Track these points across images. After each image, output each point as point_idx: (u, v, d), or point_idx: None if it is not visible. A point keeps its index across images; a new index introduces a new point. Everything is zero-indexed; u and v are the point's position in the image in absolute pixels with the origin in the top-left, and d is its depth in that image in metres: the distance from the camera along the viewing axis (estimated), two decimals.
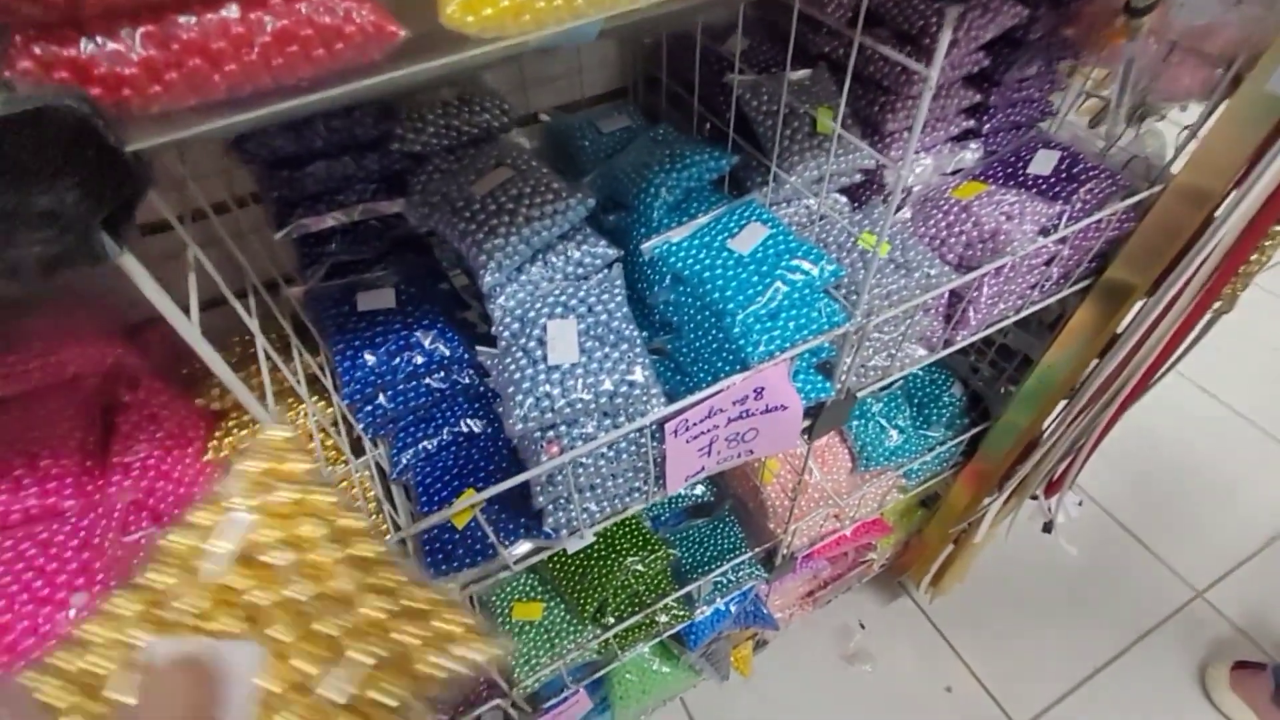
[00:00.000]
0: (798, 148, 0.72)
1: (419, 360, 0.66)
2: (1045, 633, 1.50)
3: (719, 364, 0.66)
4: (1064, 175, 0.77)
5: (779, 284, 0.61)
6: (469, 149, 0.70)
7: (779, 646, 1.50)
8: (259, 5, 0.25)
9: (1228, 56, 0.69)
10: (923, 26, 0.68)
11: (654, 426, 0.59)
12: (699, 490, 1.17)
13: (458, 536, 0.66)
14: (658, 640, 1.15)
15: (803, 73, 0.76)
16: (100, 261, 0.26)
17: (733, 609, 1.16)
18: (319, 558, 0.29)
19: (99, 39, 0.24)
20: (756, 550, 1.11)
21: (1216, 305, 0.81)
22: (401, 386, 0.68)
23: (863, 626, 1.54)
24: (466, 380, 0.70)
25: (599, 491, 0.65)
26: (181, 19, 0.24)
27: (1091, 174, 0.76)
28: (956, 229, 0.75)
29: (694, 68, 0.76)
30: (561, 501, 0.63)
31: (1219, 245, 0.72)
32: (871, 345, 0.75)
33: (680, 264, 0.67)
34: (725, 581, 1.11)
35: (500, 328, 0.61)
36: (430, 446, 0.69)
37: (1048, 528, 1.19)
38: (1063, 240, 0.75)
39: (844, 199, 0.78)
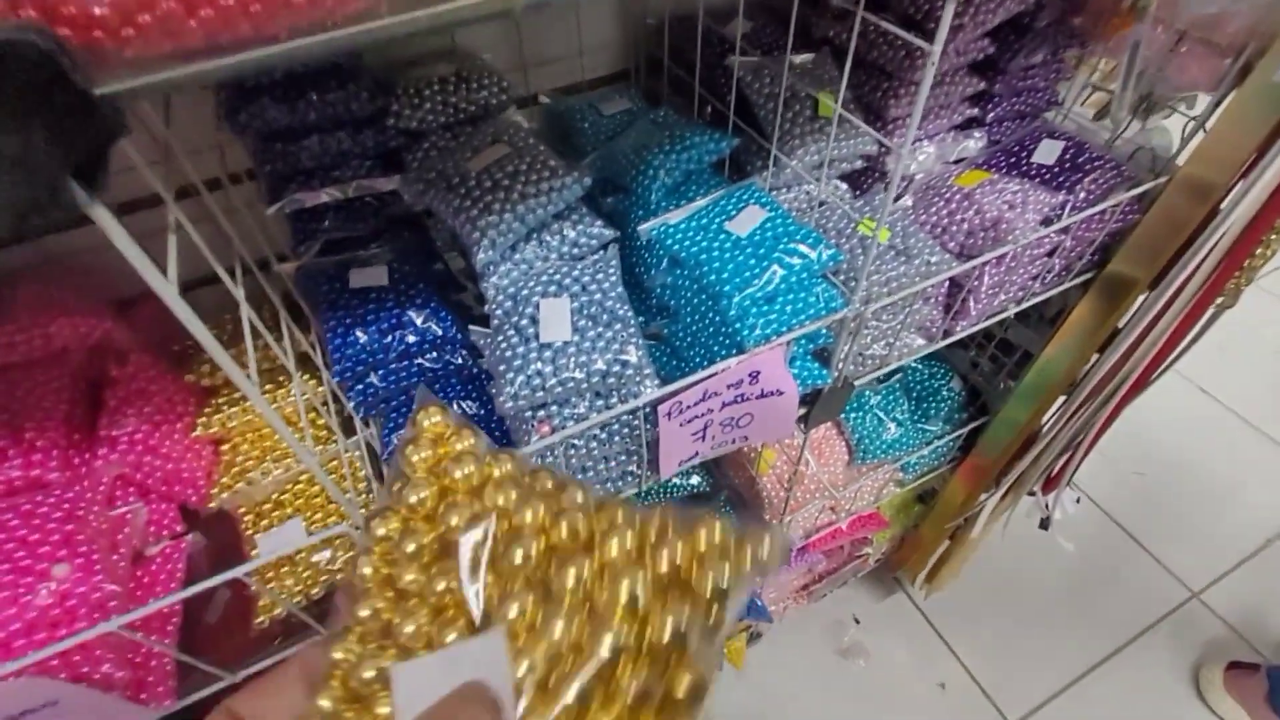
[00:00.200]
0: (799, 131, 0.71)
1: (411, 339, 0.65)
2: (1040, 630, 1.50)
3: (715, 348, 0.65)
4: (1068, 165, 0.76)
5: (776, 267, 0.61)
6: (466, 127, 0.70)
7: (772, 639, 1.50)
8: None
9: (1237, 46, 0.68)
10: (928, 10, 0.67)
11: (647, 408, 0.58)
12: (695, 480, 1.16)
13: None
14: None
15: (806, 56, 0.75)
16: (71, 211, 0.25)
17: None
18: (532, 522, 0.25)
19: None
20: None
21: (1219, 300, 0.80)
22: (393, 366, 0.67)
23: (857, 621, 1.54)
24: (459, 361, 0.69)
25: (591, 474, 0.64)
26: None
27: (1096, 165, 0.75)
28: (958, 217, 0.74)
29: (696, 50, 0.75)
30: None
31: (1223, 239, 0.71)
32: (870, 333, 0.74)
33: (677, 246, 0.66)
34: None
35: (493, 306, 0.60)
36: None
37: (1044, 524, 1.18)
38: (1065, 231, 0.74)
39: (845, 186, 0.78)
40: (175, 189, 0.46)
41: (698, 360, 0.68)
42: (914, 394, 1.15)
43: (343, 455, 0.69)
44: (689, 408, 0.60)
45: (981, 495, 1.18)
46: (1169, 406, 1.83)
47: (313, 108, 0.61)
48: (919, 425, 1.12)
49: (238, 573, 0.48)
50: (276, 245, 0.73)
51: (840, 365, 0.71)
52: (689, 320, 0.68)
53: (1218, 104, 0.70)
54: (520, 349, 0.55)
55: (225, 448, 0.72)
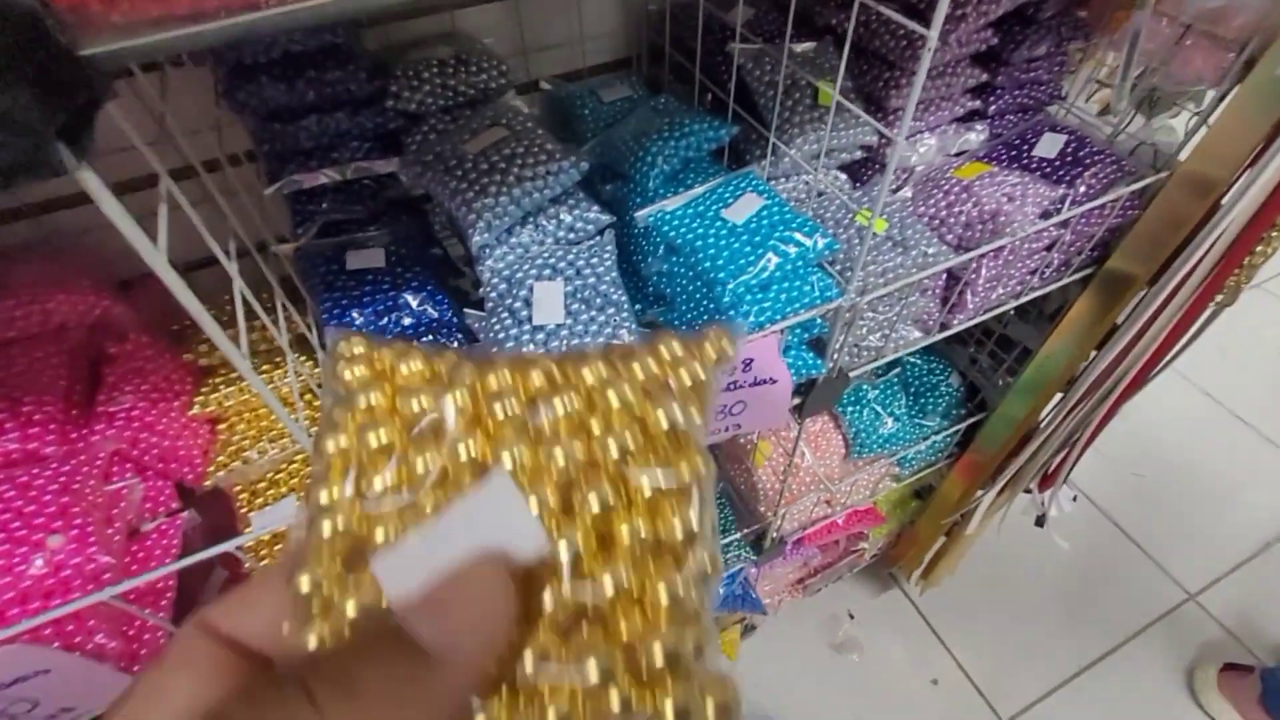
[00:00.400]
0: (798, 119, 0.70)
1: (407, 321, 0.66)
2: (1035, 629, 1.50)
3: None
4: (1069, 159, 0.76)
5: (771, 255, 0.61)
6: (465, 110, 0.70)
7: (767, 632, 1.50)
8: None
9: (1242, 40, 0.67)
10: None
11: None
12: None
13: None
14: None
15: (808, 45, 0.75)
16: (57, 173, 0.25)
17: (720, 591, 1.16)
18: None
19: None
20: (746, 532, 1.11)
21: (1219, 298, 0.80)
22: None
23: (852, 616, 1.54)
24: (455, 344, 0.70)
25: None
26: None
27: (1097, 159, 0.75)
28: (956, 209, 0.73)
29: (697, 37, 0.75)
30: None
31: (1223, 236, 0.71)
32: (865, 324, 0.74)
33: (674, 233, 0.66)
34: None
35: (488, 288, 0.60)
36: None
37: (1040, 521, 1.18)
38: (1064, 225, 0.74)
39: (844, 176, 0.77)
40: (171, 168, 0.46)
41: None
42: (912, 389, 1.15)
43: None
44: None
45: (978, 491, 1.18)
46: (1169, 407, 1.82)
47: (311, 87, 0.61)
48: (916, 420, 1.12)
49: (230, 546, 0.48)
50: (276, 229, 0.74)
51: (835, 355, 0.71)
52: (684, 307, 0.68)
53: (1222, 98, 0.70)
54: (513, 331, 0.56)
55: (221, 427, 0.73)
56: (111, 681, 0.53)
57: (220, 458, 0.70)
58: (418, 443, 0.21)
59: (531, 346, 0.54)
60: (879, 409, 1.09)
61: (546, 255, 0.61)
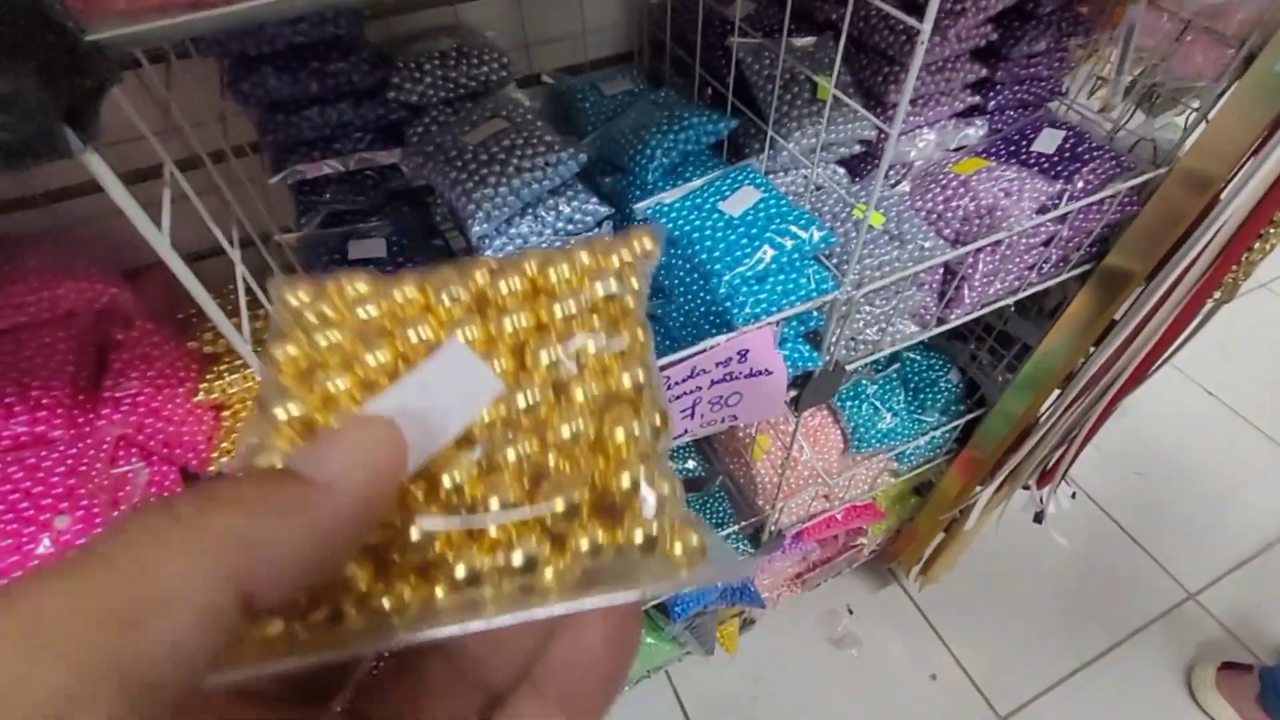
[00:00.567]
0: (797, 114, 0.71)
1: None
2: (1034, 626, 1.50)
3: (706, 326, 0.66)
4: (1067, 155, 0.76)
5: (767, 247, 0.61)
6: (466, 102, 0.70)
7: (766, 626, 1.51)
8: None
9: (1242, 36, 0.67)
10: None
11: None
12: (691, 464, 1.17)
13: None
14: (643, 610, 1.16)
15: (807, 39, 0.75)
16: (63, 155, 0.26)
17: (718, 583, 1.17)
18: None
19: None
20: (743, 525, 1.12)
21: (1216, 295, 0.80)
22: None
23: (850, 611, 1.55)
24: None
25: None
26: None
27: (1096, 155, 0.75)
28: (953, 203, 0.74)
29: (697, 31, 0.75)
30: None
31: (1220, 232, 0.71)
32: (862, 317, 0.74)
33: (671, 225, 0.66)
34: None
35: None
36: None
37: (1038, 518, 1.18)
38: (1061, 220, 0.74)
39: (842, 170, 0.78)
40: (178, 158, 0.47)
41: (689, 339, 0.68)
42: (911, 385, 1.15)
43: None
44: (677, 384, 0.61)
45: (976, 488, 1.19)
46: (1171, 406, 1.82)
47: (315, 78, 0.62)
48: (915, 416, 1.13)
49: None
50: (280, 219, 0.75)
51: (831, 348, 0.71)
52: (681, 299, 0.69)
53: (1221, 94, 0.70)
54: None
55: (226, 414, 0.74)
56: None
57: (224, 444, 0.72)
58: (370, 339, 0.21)
59: None
60: (878, 404, 1.10)
61: (545, 246, 0.62)
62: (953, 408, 1.14)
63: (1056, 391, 0.98)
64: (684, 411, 0.65)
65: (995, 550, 1.49)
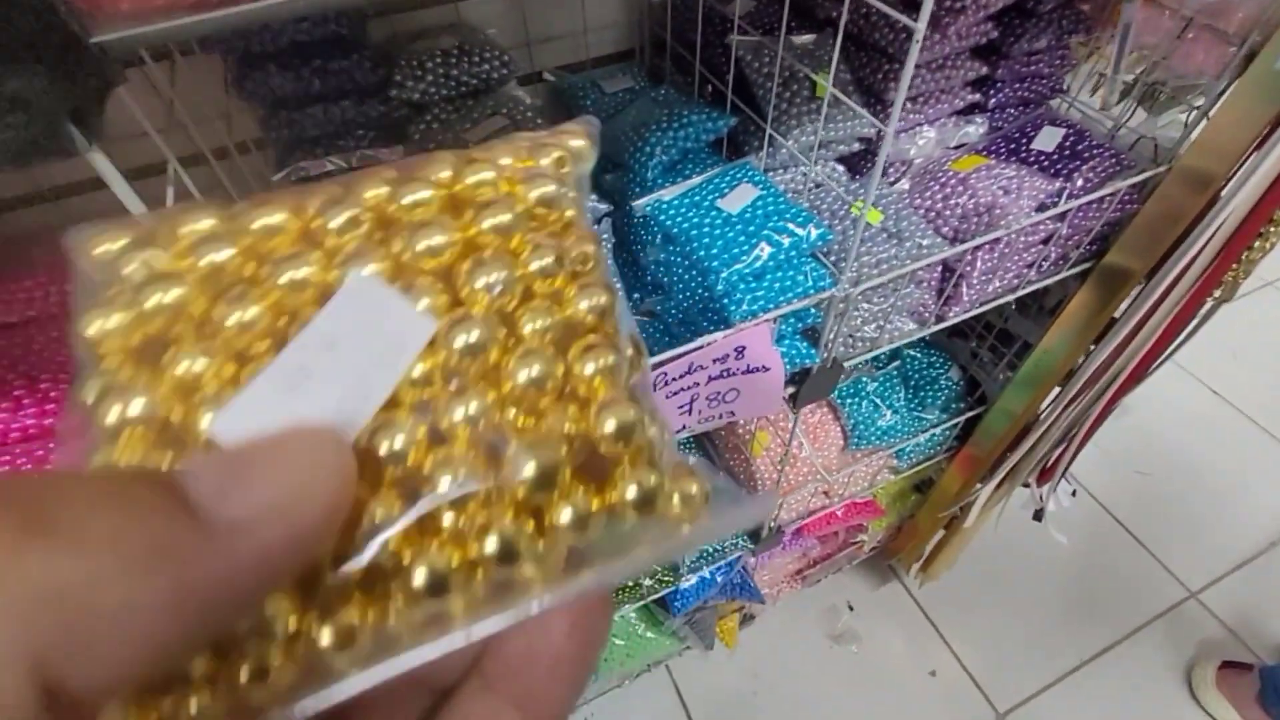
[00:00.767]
0: (795, 111, 0.71)
1: None
2: (1034, 623, 1.50)
3: (704, 323, 0.66)
4: (1067, 153, 0.76)
5: (764, 245, 0.62)
6: (467, 100, 0.71)
7: (766, 622, 1.52)
8: None
9: (1243, 34, 0.67)
10: None
11: None
12: (691, 461, 1.18)
13: None
14: (642, 604, 1.17)
15: (807, 37, 0.75)
16: (69, 153, 0.27)
17: (719, 579, 1.17)
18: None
19: None
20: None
21: (1216, 294, 0.80)
22: None
23: (851, 608, 1.55)
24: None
25: None
26: None
27: (1096, 153, 0.75)
28: (952, 201, 0.74)
29: (697, 29, 0.75)
30: None
31: (1220, 230, 0.71)
32: (860, 315, 0.75)
33: (670, 222, 0.67)
34: (710, 550, 1.12)
35: None
36: None
37: (1038, 516, 1.18)
38: (1061, 218, 0.74)
39: (841, 168, 0.78)
40: (181, 155, 0.48)
41: (688, 336, 0.69)
42: (912, 382, 1.15)
43: None
44: (675, 380, 0.62)
45: (976, 485, 1.19)
46: (1177, 406, 1.81)
47: (317, 76, 0.63)
48: (915, 413, 1.13)
49: None
50: None
51: (829, 345, 0.72)
52: (680, 296, 0.69)
53: (1223, 92, 0.70)
54: None
55: None
56: None
57: None
58: (229, 291, 0.15)
59: None
60: (878, 401, 1.10)
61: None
62: (953, 405, 1.14)
63: (1057, 389, 0.98)
64: (682, 408, 0.66)
65: (995, 548, 1.49)
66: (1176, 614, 1.50)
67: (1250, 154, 0.66)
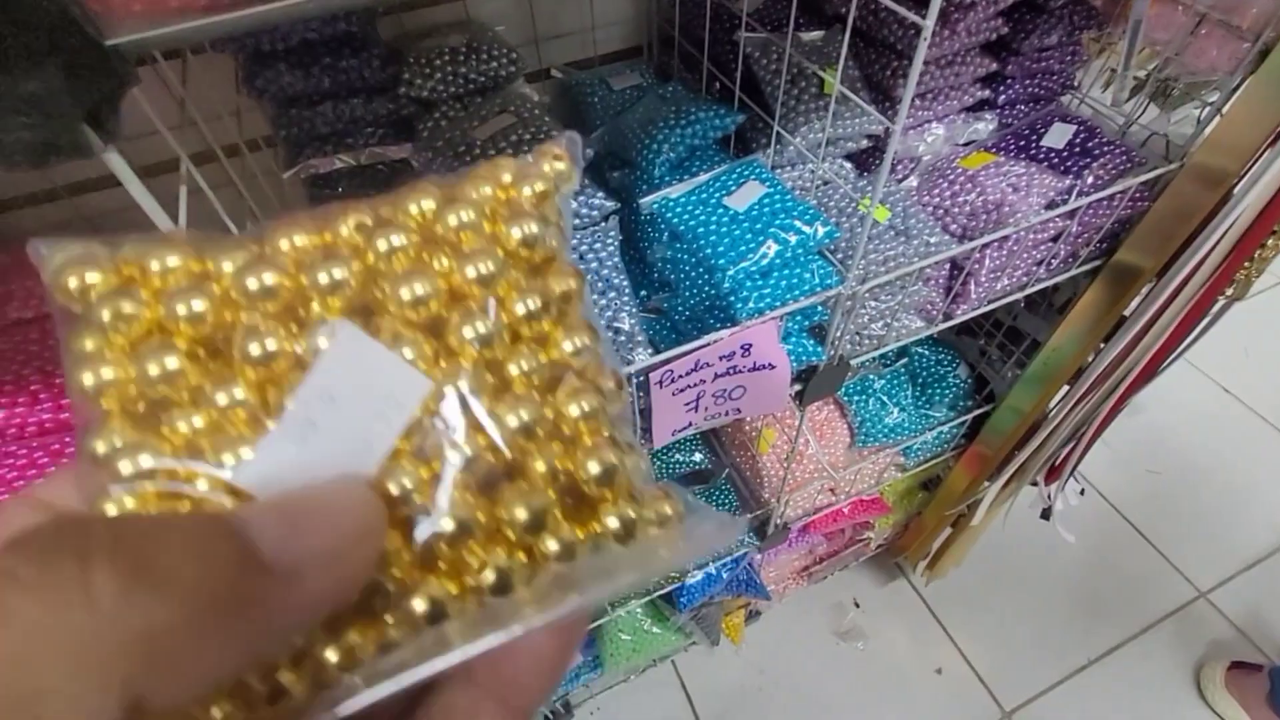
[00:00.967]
0: (803, 108, 0.71)
1: None
2: (1041, 622, 1.50)
3: (710, 321, 0.66)
4: (1078, 150, 0.76)
5: (771, 242, 0.62)
6: (476, 97, 0.71)
7: (772, 618, 1.52)
8: None
9: (1257, 29, 0.66)
10: None
11: (639, 376, 0.60)
12: (697, 457, 1.18)
13: None
14: (648, 600, 1.18)
15: (816, 34, 0.75)
16: (85, 153, 0.27)
17: (724, 575, 1.17)
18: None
19: None
20: (749, 517, 1.12)
21: (1229, 291, 0.79)
22: None
23: (857, 605, 1.55)
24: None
25: None
26: None
27: (1106, 150, 0.75)
28: (960, 198, 0.74)
29: (705, 26, 0.75)
30: None
31: (1232, 227, 0.70)
32: (867, 312, 0.75)
33: (677, 220, 0.67)
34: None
35: None
36: None
37: (1046, 514, 1.18)
38: (1070, 216, 0.74)
39: (849, 165, 0.78)
40: (193, 153, 0.49)
41: (694, 333, 0.69)
42: (919, 379, 1.15)
43: None
44: (681, 377, 0.62)
45: (984, 483, 1.18)
46: (1189, 405, 1.79)
47: (327, 74, 0.63)
48: (923, 411, 1.13)
49: None
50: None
51: (836, 343, 0.72)
52: (687, 294, 0.69)
53: (1236, 88, 0.69)
54: None
55: None
56: None
57: None
58: (216, 353, 0.16)
59: None
60: (885, 399, 1.10)
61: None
62: (961, 403, 1.14)
63: (1065, 387, 0.98)
64: (688, 405, 0.66)
65: (1003, 546, 1.48)
66: (1185, 614, 1.49)
67: (1264, 150, 0.66)
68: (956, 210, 0.74)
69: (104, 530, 0.11)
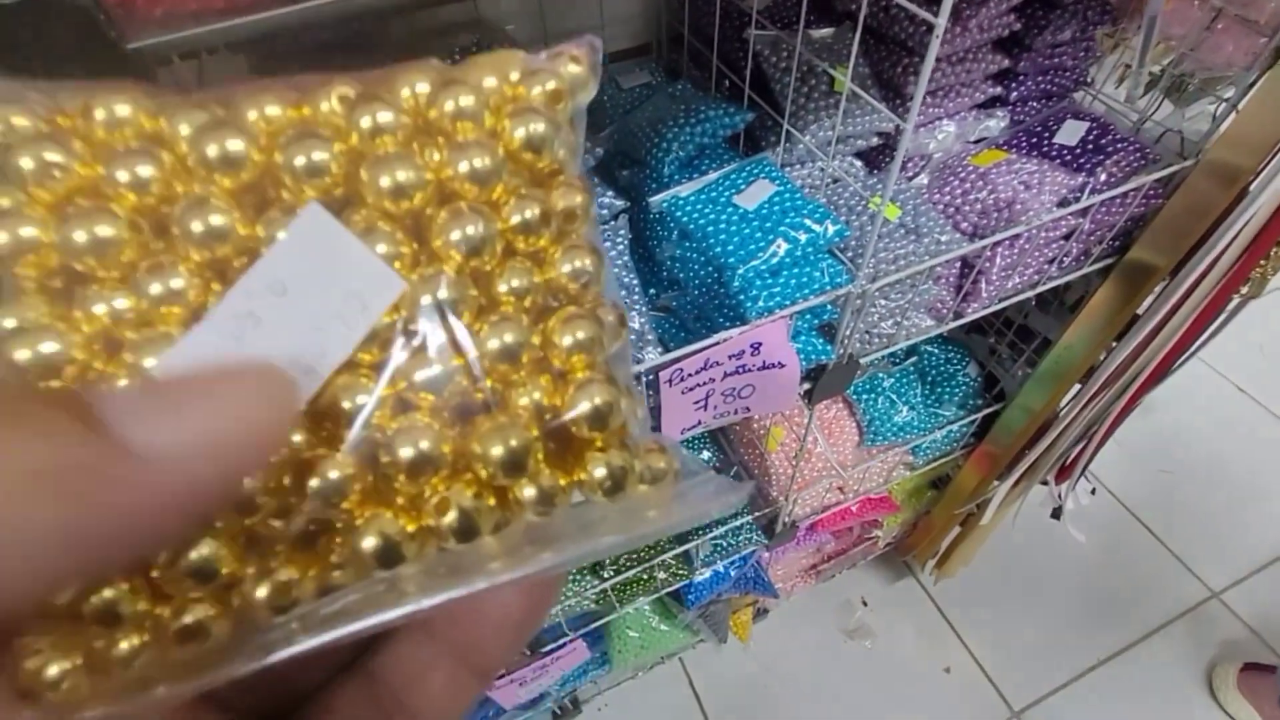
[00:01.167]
0: (813, 106, 0.71)
1: None
2: (1051, 622, 1.49)
3: (720, 319, 0.67)
4: (1090, 147, 0.75)
5: (781, 241, 0.62)
6: None
7: (780, 616, 1.52)
8: None
9: (1274, 24, 0.66)
10: None
11: (649, 375, 0.60)
12: (706, 455, 1.18)
13: None
14: (656, 597, 1.18)
15: (826, 31, 0.75)
16: None
17: (732, 573, 1.18)
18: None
19: None
20: (757, 515, 1.12)
21: (1244, 289, 0.78)
22: None
23: (865, 604, 1.55)
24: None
25: None
26: None
27: (1120, 147, 0.74)
28: (971, 196, 0.73)
29: (715, 24, 0.75)
30: None
31: (1248, 225, 0.69)
32: (877, 311, 0.74)
33: (686, 218, 0.67)
34: (724, 544, 1.12)
35: None
36: None
37: (1056, 514, 1.17)
38: (1083, 214, 0.73)
39: (859, 163, 0.78)
40: None
41: (703, 332, 0.69)
42: (929, 378, 1.14)
43: None
44: (690, 375, 0.62)
45: (993, 482, 1.18)
46: (1202, 403, 1.78)
47: (339, 70, 0.63)
48: (932, 409, 1.12)
49: None
50: None
51: (845, 341, 0.71)
52: (696, 292, 0.70)
53: (1253, 84, 0.68)
54: None
55: None
56: None
57: None
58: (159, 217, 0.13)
59: None
60: (894, 397, 1.10)
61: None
62: (970, 402, 1.13)
63: (1077, 386, 0.97)
64: (697, 403, 0.66)
65: (1013, 545, 1.48)
66: (1198, 614, 1.48)
67: None
68: (967, 208, 0.74)
69: None
